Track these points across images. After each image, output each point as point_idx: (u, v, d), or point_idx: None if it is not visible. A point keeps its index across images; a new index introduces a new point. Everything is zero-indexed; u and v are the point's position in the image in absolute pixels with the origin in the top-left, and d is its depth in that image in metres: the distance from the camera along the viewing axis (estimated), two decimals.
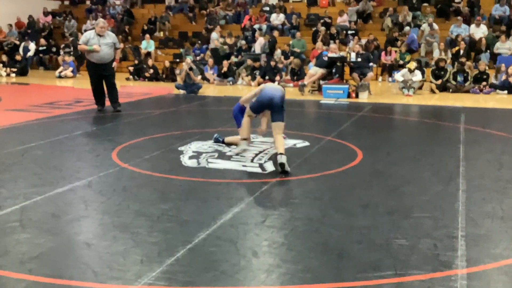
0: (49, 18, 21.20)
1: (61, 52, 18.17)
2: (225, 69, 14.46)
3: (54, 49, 18.93)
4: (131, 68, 15.76)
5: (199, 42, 17.33)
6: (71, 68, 16.46)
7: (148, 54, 17.10)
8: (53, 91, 12.78)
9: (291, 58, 15.24)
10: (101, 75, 8.97)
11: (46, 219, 3.88)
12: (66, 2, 23.31)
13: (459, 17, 16.10)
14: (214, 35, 16.96)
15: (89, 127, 7.80)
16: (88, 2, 22.46)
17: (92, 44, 8.72)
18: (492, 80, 12.58)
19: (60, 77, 16.13)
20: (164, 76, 15.25)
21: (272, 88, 5.63)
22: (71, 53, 17.47)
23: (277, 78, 13.94)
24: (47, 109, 9.36)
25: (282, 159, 5.06)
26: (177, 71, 14.85)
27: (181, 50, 17.51)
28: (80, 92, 11.89)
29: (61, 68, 16.56)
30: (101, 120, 8.45)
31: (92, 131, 7.51)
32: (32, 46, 18.43)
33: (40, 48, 18.72)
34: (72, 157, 5.84)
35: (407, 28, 16.24)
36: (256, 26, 17.92)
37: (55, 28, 20.94)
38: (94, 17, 20.72)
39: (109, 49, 8.90)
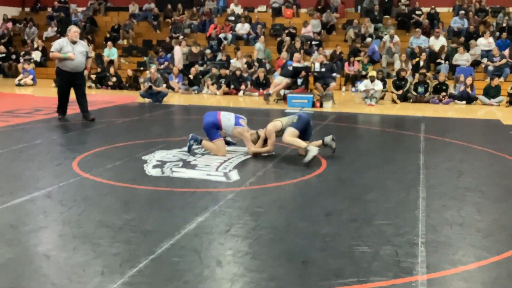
0: (9, 24, 20.69)
1: (21, 59, 17.75)
2: (191, 76, 14.47)
3: (13, 57, 18.47)
4: (93, 76, 15.52)
5: (161, 50, 17.21)
6: (31, 76, 16.08)
7: (111, 62, 16.89)
8: (12, 99, 12.44)
9: (255, 67, 15.34)
10: (71, 84, 8.77)
11: (4, 230, 3.76)
12: (27, 9, 22.83)
13: (418, 29, 16.54)
14: (259, 45, 16.11)
15: (49, 136, 7.62)
16: (49, 9, 22.04)
17: (66, 52, 8.50)
18: (451, 90, 12.95)
19: (19, 85, 15.73)
20: (127, 84, 15.08)
21: (306, 115, 6.35)
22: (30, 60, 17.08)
23: (242, 87, 13.99)
24: (6, 118, 9.11)
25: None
26: (141, 80, 14.71)
27: (145, 58, 17.36)
28: (40, 101, 11.62)
29: (21, 76, 16.16)
30: (62, 129, 8.28)
31: (52, 140, 7.35)
32: None
33: None
34: (32, 166, 5.69)
35: (368, 39, 16.58)
36: (221, 35, 17.96)
37: (15, 35, 20.46)
38: (55, 24, 20.36)
39: (83, 58, 8.73)
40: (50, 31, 20.19)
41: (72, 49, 8.54)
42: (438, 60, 15.16)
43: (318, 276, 3.08)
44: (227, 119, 6.22)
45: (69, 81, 8.72)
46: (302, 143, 5.98)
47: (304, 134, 6.19)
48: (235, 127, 6.18)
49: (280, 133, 6.20)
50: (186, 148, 6.37)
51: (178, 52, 15.96)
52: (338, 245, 3.55)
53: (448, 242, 3.67)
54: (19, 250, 3.42)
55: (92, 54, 9.34)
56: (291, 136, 6.04)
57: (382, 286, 2.98)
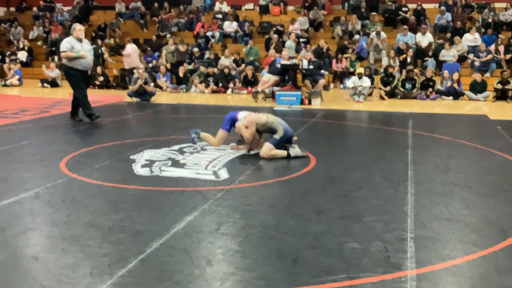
0: None
1: (7, 59, 17.57)
2: (181, 74, 14.43)
3: None
4: None
5: (149, 49, 17.13)
6: (17, 76, 15.94)
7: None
8: None
9: (243, 65, 15.33)
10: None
11: None
12: (12, 9, 22.60)
13: (405, 26, 16.63)
14: (289, 43, 15.83)
15: (36, 137, 7.55)
16: (35, 9, 21.83)
17: (78, 50, 8.41)
18: (438, 86, 13.03)
19: (5, 85, 15.58)
20: (115, 83, 14.99)
21: (285, 124, 6.17)
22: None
23: (231, 85, 13.97)
24: None
25: None
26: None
27: None
28: (27, 101, 11.52)
29: (7, 76, 16.02)
30: (49, 129, 8.20)
31: (39, 140, 7.28)
32: None
33: None
34: (19, 167, 5.63)
35: (357, 36, 16.63)
36: (209, 34, 17.92)
37: (0, 35, 20.24)
38: (41, 24, 20.17)
39: (91, 55, 8.73)
40: (36, 31, 20.00)
41: (82, 48, 8.48)
42: (426, 59, 15.25)
43: (309, 274, 3.08)
44: (243, 112, 6.47)
45: (82, 79, 8.63)
46: (284, 152, 6.04)
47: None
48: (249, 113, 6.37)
49: (261, 126, 6.16)
50: (176, 147, 6.43)
51: (128, 50, 14.92)
52: (328, 243, 3.56)
53: (436, 237, 3.69)
54: (6, 253, 3.38)
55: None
56: (270, 151, 6.02)
57: (372, 282, 2.99)
